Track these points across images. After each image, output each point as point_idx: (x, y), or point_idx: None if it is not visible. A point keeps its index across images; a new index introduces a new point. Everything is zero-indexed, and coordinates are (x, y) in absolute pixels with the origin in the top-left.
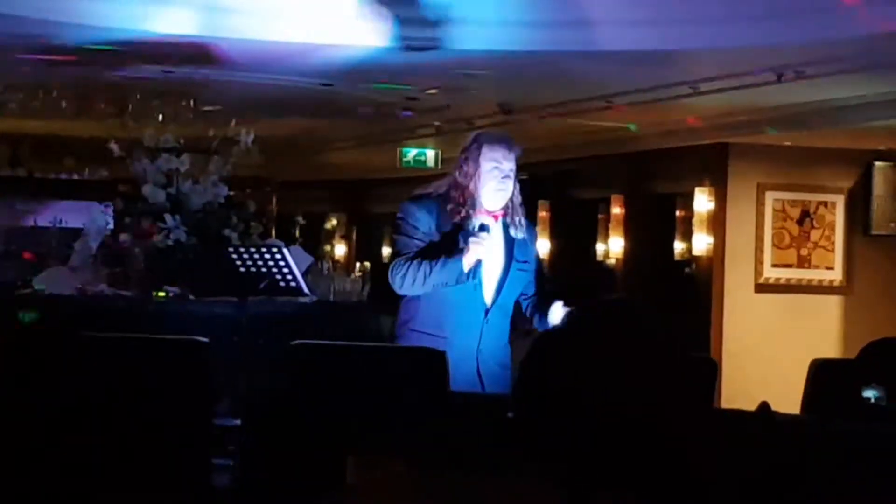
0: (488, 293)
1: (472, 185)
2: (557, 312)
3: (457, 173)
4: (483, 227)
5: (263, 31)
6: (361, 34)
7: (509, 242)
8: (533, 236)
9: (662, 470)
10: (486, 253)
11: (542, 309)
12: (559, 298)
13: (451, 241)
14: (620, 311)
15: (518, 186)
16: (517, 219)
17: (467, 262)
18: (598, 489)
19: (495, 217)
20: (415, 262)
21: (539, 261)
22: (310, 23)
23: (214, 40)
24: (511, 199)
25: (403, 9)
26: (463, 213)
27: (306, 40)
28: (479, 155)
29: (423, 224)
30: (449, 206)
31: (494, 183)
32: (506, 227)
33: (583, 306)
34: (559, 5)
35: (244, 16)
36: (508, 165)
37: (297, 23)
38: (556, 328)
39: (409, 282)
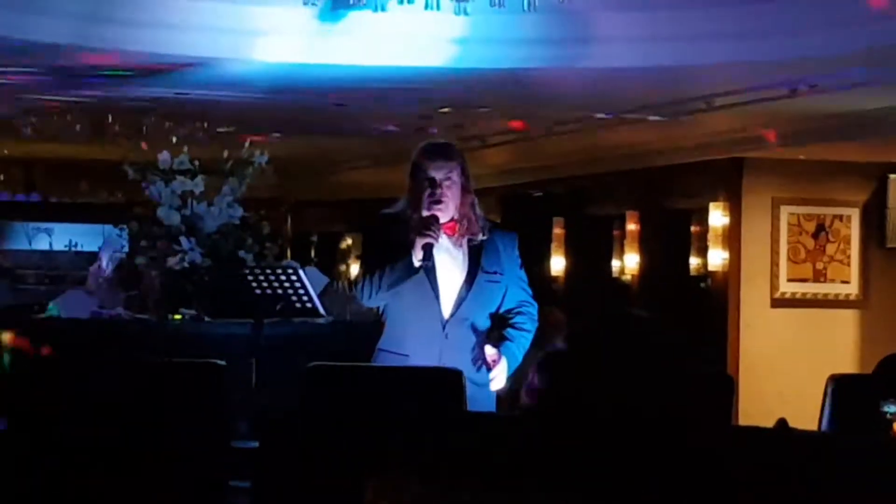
0: (446, 306)
1: (415, 199)
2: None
3: (408, 188)
4: (432, 217)
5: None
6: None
7: (473, 253)
8: (509, 247)
9: (680, 484)
10: (434, 240)
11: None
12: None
13: (405, 250)
14: (625, 326)
15: (471, 195)
16: (475, 227)
17: (416, 252)
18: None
19: (449, 229)
20: (369, 271)
21: (518, 270)
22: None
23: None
24: (460, 209)
25: None
26: (412, 228)
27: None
28: (413, 169)
29: (381, 242)
30: (403, 222)
31: (427, 194)
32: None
33: (589, 323)
34: (572, 22)
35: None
36: (439, 175)
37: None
38: (558, 347)
39: (367, 291)
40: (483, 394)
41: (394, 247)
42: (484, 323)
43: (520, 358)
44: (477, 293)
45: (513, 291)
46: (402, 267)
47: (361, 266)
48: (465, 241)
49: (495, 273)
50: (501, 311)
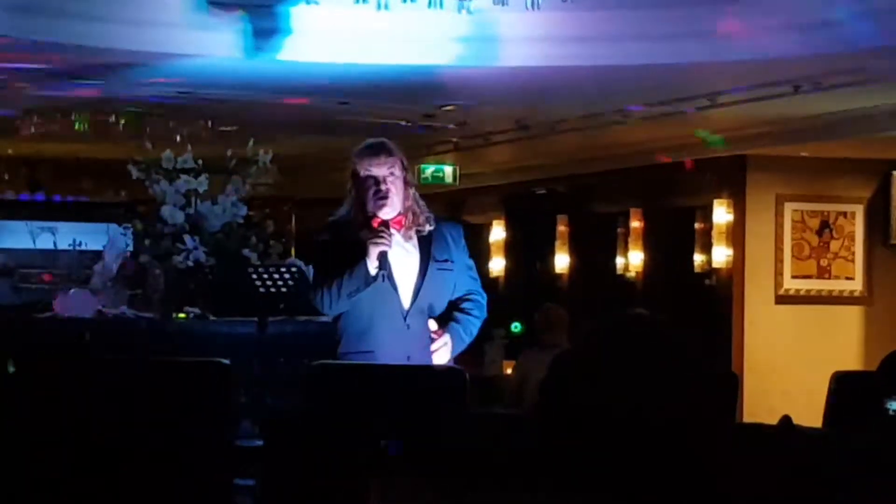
0: (405, 297)
1: (358, 199)
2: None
3: (348, 191)
4: (382, 225)
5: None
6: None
7: (423, 244)
8: (457, 237)
9: (685, 483)
10: (388, 246)
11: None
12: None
13: (357, 254)
14: (636, 327)
15: (412, 188)
16: (420, 219)
17: (371, 261)
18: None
19: (397, 223)
20: (326, 282)
21: (467, 260)
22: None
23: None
24: (404, 203)
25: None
26: (360, 228)
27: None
28: (354, 168)
29: (329, 247)
30: (350, 225)
31: (372, 192)
32: (419, 232)
33: (597, 323)
34: (576, 21)
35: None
36: (382, 171)
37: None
38: (573, 347)
39: (327, 302)
40: None
41: (346, 253)
42: (441, 309)
43: (466, 341)
44: (431, 281)
45: (462, 280)
46: (360, 276)
47: (316, 276)
48: (413, 233)
49: (446, 261)
50: (452, 298)
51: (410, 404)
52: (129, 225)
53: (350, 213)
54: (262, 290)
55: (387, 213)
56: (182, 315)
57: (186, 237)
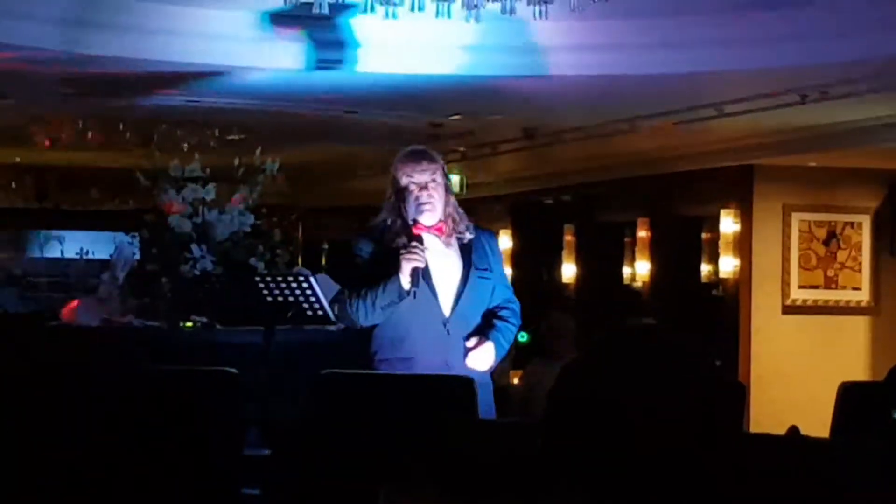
0: (446, 304)
1: (399, 206)
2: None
3: (388, 198)
4: (416, 239)
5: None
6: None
7: (465, 251)
8: (494, 245)
9: (693, 493)
10: (420, 262)
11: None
12: (485, 333)
13: (393, 263)
14: (645, 337)
15: (452, 195)
16: (461, 227)
17: (404, 276)
18: None
19: (438, 230)
20: (361, 293)
21: (502, 269)
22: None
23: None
24: (446, 210)
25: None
26: (400, 235)
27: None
28: (394, 175)
29: (367, 255)
30: (388, 232)
31: (413, 198)
32: (459, 239)
33: (608, 333)
34: (583, 30)
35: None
36: (424, 178)
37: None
38: (582, 356)
39: (362, 313)
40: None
41: (383, 263)
42: (479, 317)
43: (506, 347)
44: (472, 289)
45: (499, 289)
46: (392, 291)
47: (351, 284)
48: (454, 241)
49: (486, 269)
50: (490, 307)
51: (419, 413)
52: (137, 234)
53: (388, 220)
54: (269, 298)
55: (429, 220)
56: (189, 324)
57: (193, 246)
